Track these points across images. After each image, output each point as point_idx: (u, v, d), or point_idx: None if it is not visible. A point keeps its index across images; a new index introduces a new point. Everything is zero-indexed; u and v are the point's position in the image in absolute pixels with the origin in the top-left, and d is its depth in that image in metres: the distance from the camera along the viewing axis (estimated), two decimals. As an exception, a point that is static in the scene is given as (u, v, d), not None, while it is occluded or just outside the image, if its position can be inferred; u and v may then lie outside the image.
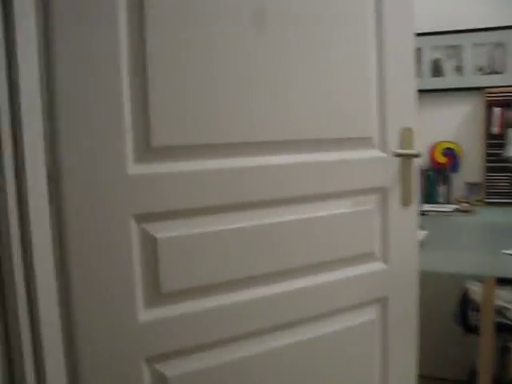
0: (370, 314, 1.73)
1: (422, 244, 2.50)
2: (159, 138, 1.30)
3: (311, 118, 1.51)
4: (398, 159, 1.68)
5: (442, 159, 3.95)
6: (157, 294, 1.34)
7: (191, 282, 1.38)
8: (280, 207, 1.50)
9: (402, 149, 1.68)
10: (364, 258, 1.68)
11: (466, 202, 3.76)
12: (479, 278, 2.59)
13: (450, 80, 4.00)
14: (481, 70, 3.97)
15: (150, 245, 1.32)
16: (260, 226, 1.47)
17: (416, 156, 1.67)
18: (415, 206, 1.75)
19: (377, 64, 1.64)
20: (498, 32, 3.92)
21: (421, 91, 3.95)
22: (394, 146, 1.67)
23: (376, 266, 1.71)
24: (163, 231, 1.33)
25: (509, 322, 2.59)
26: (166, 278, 1.34)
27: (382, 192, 1.68)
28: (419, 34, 3.94)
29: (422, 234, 2.65)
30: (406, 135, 1.69)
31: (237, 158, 1.42)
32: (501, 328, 2.56)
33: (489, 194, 3.82)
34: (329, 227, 1.59)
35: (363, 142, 1.63)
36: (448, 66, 4.01)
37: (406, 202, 1.71)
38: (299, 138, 1.51)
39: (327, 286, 1.61)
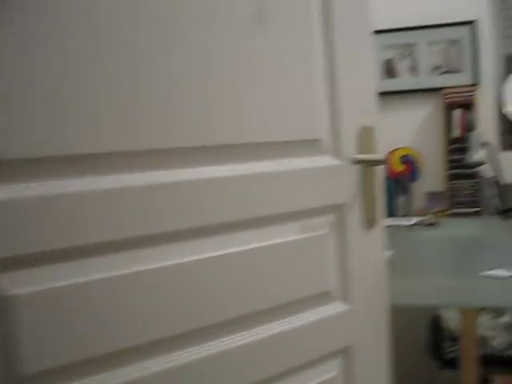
0: (330, 370, 1.32)
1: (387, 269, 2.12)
2: (4, 146, 0.87)
3: (239, 116, 1.11)
4: (356, 167, 1.29)
5: (399, 168, 3.61)
6: (16, 379, 0.91)
7: (72, 355, 0.95)
8: (201, 239, 1.08)
9: (361, 153, 1.28)
10: (319, 298, 1.28)
11: (428, 214, 3.41)
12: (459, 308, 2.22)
13: (404, 81, 3.67)
14: (437, 69, 3.65)
15: (0, 306, 0.88)
16: (174, 267, 1.05)
17: (380, 162, 1.28)
18: (381, 228, 1.36)
19: (325, 48, 1.26)
20: (453, 28, 3.61)
21: (373, 94, 3.61)
22: (351, 150, 1.28)
23: (335, 307, 1.31)
24: (21, 285, 0.90)
25: (490, 352, 2.22)
26: (32, 354, 0.91)
27: (338, 211, 1.28)
28: (369, 33, 3.59)
29: (387, 253, 2.27)
30: (366, 136, 1.30)
31: (134, 172, 1.00)
32: (480, 359, 2.19)
33: (452, 204, 3.48)
34: (271, 262, 1.18)
35: (310, 146, 1.23)
36: (401, 66, 3.68)
37: (369, 222, 1.32)
38: (224, 142, 1.10)
39: (272, 341, 1.20)
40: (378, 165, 1.29)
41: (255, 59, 1.14)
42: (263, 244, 1.16)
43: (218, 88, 1.08)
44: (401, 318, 3.27)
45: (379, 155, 1.28)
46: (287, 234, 1.20)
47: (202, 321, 1.08)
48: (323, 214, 1.25)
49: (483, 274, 2.00)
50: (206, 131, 1.06)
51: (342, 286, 1.31)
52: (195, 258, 1.07)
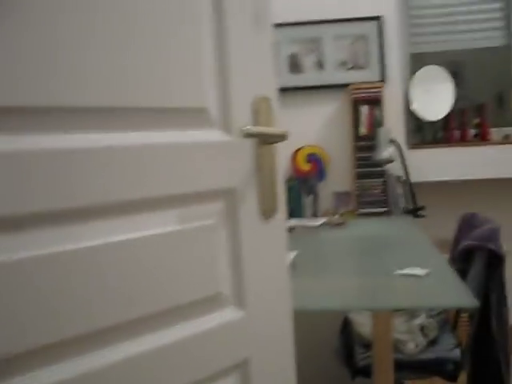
0: (223, 390, 1.10)
1: (291, 270, 1.93)
2: None
3: (102, 74, 0.87)
4: (251, 144, 1.07)
5: (305, 167, 3.45)
6: None
7: None
8: (45, 228, 0.83)
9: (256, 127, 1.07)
10: (208, 303, 1.05)
11: (336, 214, 3.27)
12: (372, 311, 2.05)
13: (310, 77, 3.52)
14: (343, 65, 3.52)
15: None
16: (17, 263, 0.80)
17: (279, 138, 1.07)
18: (282, 218, 1.16)
19: (215, 8, 1.04)
20: (360, 23, 3.50)
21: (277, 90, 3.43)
22: (245, 123, 1.07)
23: (228, 313, 1.09)
24: None
25: (404, 358, 2.06)
26: None
27: (229, 197, 1.06)
28: (273, 25, 3.42)
29: (290, 255, 2.08)
30: (263, 108, 1.09)
31: None
32: (395, 365, 2.02)
33: (361, 204, 3.35)
34: (144, 258, 0.94)
35: (193, 115, 1.00)
36: (307, 61, 3.53)
37: (267, 212, 1.11)
38: (84, 104, 0.86)
39: (149, 358, 0.96)
40: (277, 141, 1.08)
41: (131, 12, 0.90)
42: (133, 235, 0.92)
43: (86, 39, 0.84)
44: (310, 323, 3.09)
45: (278, 129, 1.07)
46: (164, 224, 0.96)
47: (64, 331, 0.83)
48: (210, 201, 1.03)
49: (397, 272, 1.84)
50: (59, 87, 0.82)
51: (236, 287, 1.09)
52: (54, 250, 0.82)
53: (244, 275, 1.09)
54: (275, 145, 1.11)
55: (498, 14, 3.67)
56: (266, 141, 1.07)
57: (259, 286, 1.12)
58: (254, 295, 1.11)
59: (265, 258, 1.12)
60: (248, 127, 0.99)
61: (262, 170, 1.09)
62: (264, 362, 1.16)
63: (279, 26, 3.46)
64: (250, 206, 1.08)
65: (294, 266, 1.99)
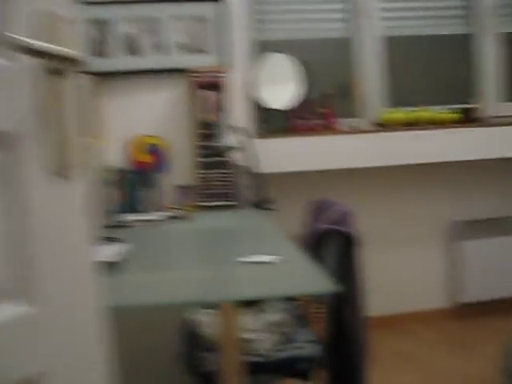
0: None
1: (123, 265, 1.63)
2: None
3: None
4: (33, 72, 0.76)
5: (144, 158, 3.14)
6: None
7: None
8: None
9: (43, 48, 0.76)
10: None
11: (179, 208, 2.99)
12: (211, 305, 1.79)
13: (148, 60, 3.22)
14: (183, 47, 3.26)
15: None
16: None
17: (71, 63, 0.77)
18: (83, 180, 0.86)
19: None
20: (199, 4, 3.26)
21: (112, 74, 3.11)
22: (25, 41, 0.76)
23: (9, 311, 0.77)
24: None
25: (256, 359, 1.81)
26: None
27: (4, 145, 0.75)
28: (107, 3, 3.10)
29: (122, 249, 1.77)
30: (49, 25, 0.79)
31: None
32: (250, 367, 1.75)
33: (205, 196, 3.10)
34: None
35: None
36: (144, 42, 3.22)
37: (59, 167, 0.80)
38: None
39: None
40: (72, 66, 0.78)
41: None
42: None
43: None
44: (147, 326, 2.79)
45: (68, 51, 0.77)
46: None
47: None
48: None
49: (241, 260, 1.59)
50: None
51: (22, 273, 0.77)
52: None
53: (30, 256, 0.77)
54: (70, 79, 0.81)
55: (340, 6, 3.59)
56: (55, 69, 0.77)
57: (54, 271, 0.81)
58: (47, 285, 0.80)
59: (61, 232, 0.81)
60: (22, 39, 0.69)
61: (52, 111, 0.78)
62: (67, 375, 0.85)
63: (113, 3, 3.13)
64: (32, 158, 0.77)
65: (124, 262, 1.68)
